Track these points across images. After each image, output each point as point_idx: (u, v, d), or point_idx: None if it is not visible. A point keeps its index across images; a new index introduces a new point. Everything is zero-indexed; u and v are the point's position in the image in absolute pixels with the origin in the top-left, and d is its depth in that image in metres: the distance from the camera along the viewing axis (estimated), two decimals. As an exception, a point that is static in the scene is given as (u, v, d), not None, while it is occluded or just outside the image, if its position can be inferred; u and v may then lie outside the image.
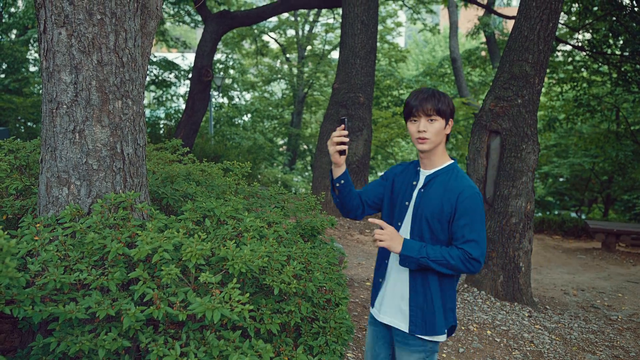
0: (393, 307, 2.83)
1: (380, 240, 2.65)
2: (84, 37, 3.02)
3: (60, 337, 2.59)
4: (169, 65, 21.37)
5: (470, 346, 5.14)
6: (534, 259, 9.79)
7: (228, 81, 26.84)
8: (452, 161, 2.83)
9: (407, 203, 2.81)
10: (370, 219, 2.63)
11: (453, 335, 5.38)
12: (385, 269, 2.88)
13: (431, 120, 2.67)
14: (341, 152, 2.75)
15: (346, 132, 2.73)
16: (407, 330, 2.77)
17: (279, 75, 27.90)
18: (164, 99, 24.24)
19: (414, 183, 2.83)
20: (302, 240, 3.75)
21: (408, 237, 2.77)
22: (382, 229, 2.69)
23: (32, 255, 2.95)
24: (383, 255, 2.92)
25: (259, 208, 4.12)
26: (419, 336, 2.75)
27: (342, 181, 2.86)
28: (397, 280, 2.82)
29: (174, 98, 24.77)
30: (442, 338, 2.79)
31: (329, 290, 3.63)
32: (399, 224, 2.82)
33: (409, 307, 2.77)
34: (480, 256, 2.63)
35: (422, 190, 2.77)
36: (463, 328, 5.55)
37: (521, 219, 6.46)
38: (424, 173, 2.82)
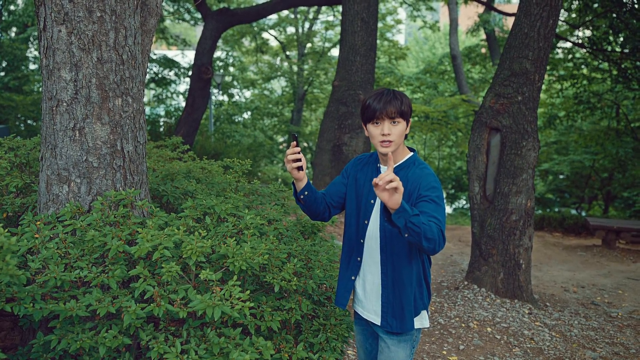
0: (372, 303, 2.83)
1: (393, 185, 2.45)
2: (83, 35, 3.02)
3: (60, 334, 2.59)
4: (168, 63, 21.36)
5: (471, 343, 5.14)
6: (534, 256, 9.80)
7: (228, 79, 26.83)
8: (412, 153, 2.83)
9: (372, 201, 2.80)
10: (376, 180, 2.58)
11: (453, 332, 5.39)
12: (358, 266, 2.86)
13: (394, 122, 2.65)
14: (299, 168, 2.70)
15: (299, 149, 2.67)
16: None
17: (279, 73, 27.87)
18: (164, 96, 24.23)
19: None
20: (302, 238, 3.75)
21: (378, 234, 2.77)
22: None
23: (33, 253, 2.96)
24: (351, 251, 2.89)
25: (259, 205, 4.12)
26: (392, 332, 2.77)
27: (306, 192, 2.79)
28: (373, 276, 2.82)
29: (174, 96, 24.76)
30: (422, 323, 2.82)
31: (330, 287, 3.63)
32: (366, 222, 2.81)
33: (381, 303, 2.78)
34: (444, 234, 2.62)
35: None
36: (463, 325, 5.55)
37: (521, 216, 6.46)
38: (385, 169, 2.79)
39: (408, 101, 2.69)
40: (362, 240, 2.84)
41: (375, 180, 2.36)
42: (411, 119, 2.76)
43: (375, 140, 2.69)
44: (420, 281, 2.79)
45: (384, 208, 2.54)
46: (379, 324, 2.79)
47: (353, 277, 2.88)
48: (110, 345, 2.51)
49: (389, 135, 2.63)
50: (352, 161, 3.00)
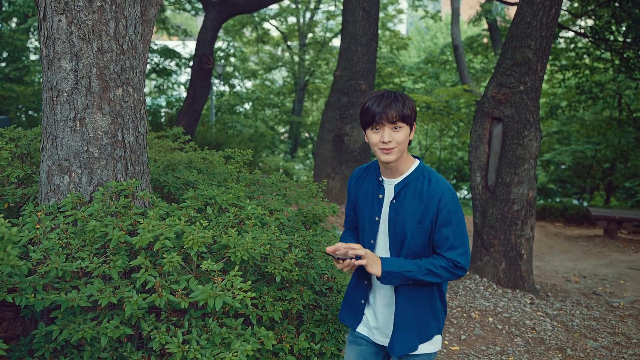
0: (383, 327, 2.65)
1: (362, 263, 2.40)
2: (84, 24, 3.01)
3: (62, 325, 2.59)
4: (169, 53, 21.32)
5: (472, 333, 5.15)
6: (535, 246, 9.80)
7: (229, 69, 26.78)
8: (418, 161, 2.59)
9: (377, 219, 2.58)
10: (329, 248, 2.43)
11: (455, 322, 5.39)
12: (367, 290, 2.69)
13: (396, 128, 2.41)
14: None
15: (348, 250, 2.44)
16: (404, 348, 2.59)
17: (280, 63, 27.82)
18: (165, 87, 24.20)
19: (380, 196, 2.57)
20: (303, 228, 3.75)
21: (387, 254, 2.58)
22: (355, 257, 2.44)
23: (34, 244, 2.96)
24: (360, 275, 2.71)
25: (260, 196, 4.11)
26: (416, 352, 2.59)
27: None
28: (384, 299, 2.64)
29: (175, 86, 24.73)
30: (436, 347, 2.65)
31: (331, 277, 3.63)
32: (372, 241, 2.61)
33: (393, 327, 2.60)
34: (466, 263, 2.48)
35: (394, 202, 2.53)
36: (465, 315, 5.56)
37: (523, 206, 6.45)
38: (390, 183, 2.56)
39: (411, 104, 2.45)
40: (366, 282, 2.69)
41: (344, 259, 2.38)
42: (415, 123, 2.51)
43: (375, 147, 2.46)
44: (434, 304, 2.61)
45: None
46: (392, 349, 2.60)
47: (363, 301, 2.71)
48: (112, 336, 2.51)
49: (390, 143, 2.40)
50: (352, 177, 2.76)
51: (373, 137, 2.45)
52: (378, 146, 2.44)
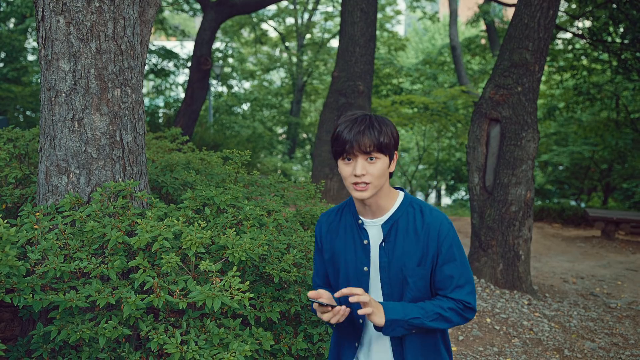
0: None
1: (366, 312, 2.02)
2: (82, 25, 3.01)
3: (60, 325, 2.59)
4: (167, 54, 21.32)
5: (470, 334, 5.15)
6: (533, 247, 9.81)
7: (227, 70, 26.77)
8: (402, 194, 2.24)
9: (365, 269, 2.20)
10: (311, 293, 2.06)
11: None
12: (361, 330, 2.29)
13: (371, 159, 2.03)
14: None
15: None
16: None
17: (278, 64, 27.80)
18: (163, 88, 24.19)
19: (366, 242, 2.19)
20: (301, 229, 3.75)
21: None
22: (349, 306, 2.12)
23: (32, 244, 2.96)
24: (346, 334, 2.33)
25: (258, 196, 4.11)
26: None
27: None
28: (381, 354, 2.27)
29: (173, 87, 24.71)
30: None
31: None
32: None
33: None
34: (475, 303, 2.18)
35: (384, 245, 2.17)
36: (462, 316, 5.56)
37: (521, 207, 6.46)
38: (374, 224, 2.20)
39: (391, 130, 2.06)
40: (361, 321, 2.27)
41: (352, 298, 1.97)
42: (397, 152, 2.14)
43: (347, 181, 2.08)
44: (439, 353, 2.26)
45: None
46: None
47: (357, 344, 2.32)
48: (110, 336, 2.51)
49: (363, 177, 2.03)
50: (319, 225, 2.36)
51: (344, 169, 2.07)
52: (350, 180, 2.06)
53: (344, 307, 2.04)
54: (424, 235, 2.14)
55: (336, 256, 2.28)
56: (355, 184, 2.05)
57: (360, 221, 2.22)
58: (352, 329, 2.31)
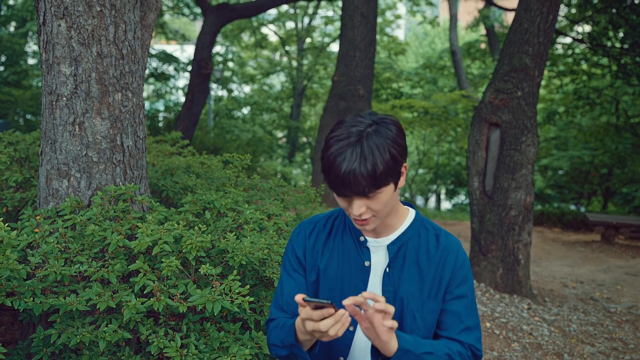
0: None
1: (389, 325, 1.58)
2: (83, 29, 3.02)
3: (60, 328, 2.59)
4: (168, 58, 21.35)
5: (470, 338, 5.15)
6: (533, 252, 9.80)
7: (227, 74, 26.80)
8: (413, 211, 1.91)
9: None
10: (309, 302, 1.54)
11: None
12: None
13: (369, 197, 1.64)
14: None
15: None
16: None
17: (278, 68, 27.82)
18: (163, 91, 24.21)
19: (367, 264, 1.82)
20: (302, 233, 3.75)
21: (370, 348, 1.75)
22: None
23: (33, 248, 2.96)
24: (339, 345, 1.86)
25: (258, 200, 4.12)
26: None
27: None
28: None
29: (173, 91, 24.74)
30: None
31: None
32: (351, 328, 1.83)
33: None
34: (481, 349, 1.85)
35: (388, 271, 1.81)
36: (462, 320, 5.57)
37: (520, 212, 6.46)
38: (378, 244, 1.83)
39: (390, 152, 1.61)
40: (341, 359, 1.87)
41: (374, 305, 1.53)
42: (406, 164, 1.72)
43: (346, 211, 1.73)
44: None
45: (373, 350, 1.69)
46: None
47: None
48: (110, 340, 2.51)
49: (363, 214, 1.68)
50: (301, 239, 1.92)
51: (340, 202, 1.71)
52: (348, 212, 1.73)
53: (345, 312, 1.54)
54: (438, 261, 1.81)
55: (328, 277, 1.87)
56: (356, 220, 1.72)
57: (362, 238, 1.84)
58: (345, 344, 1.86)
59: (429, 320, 1.81)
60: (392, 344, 1.62)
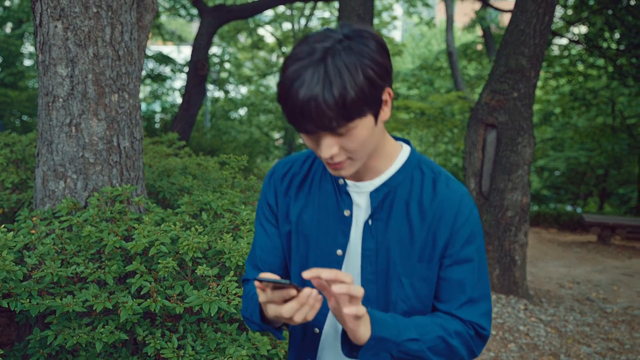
0: None
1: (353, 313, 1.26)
2: (79, 30, 3.02)
3: (57, 330, 2.59)
4: (164, 59, 21.34)
5: (466, 339, 5.16)
6: (529, 252, 9.82)
7: (224, 75, 26.81)
8: (407, 148, 1.52)
9: (339, 252, 1.49)
10: (267, 282, 1.24)
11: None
12: (316, 346, 1.57)
13: (338, 133, 1.27)
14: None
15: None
16: None
17: (275, 69, 27.84)
18: (160, 93, 24.19)
19: (347, 213, 1.48)
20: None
21: None
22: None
23: (29, 249, 2.96)
24: (297, 350, 1.62)
25: (255, 202, 4.12)
26: None
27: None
28: None
29: (170, 92, 24.73)
30: None
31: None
32: None
33: None
34: (490, 326, 1.50)
35: (371, 223, 1.46)
36: (459, 321, 5.58)
37: (517, 212, 6.48)
38: (360, 189, 1.48)
39: (364, 71, 1.22)
40: (317, 330, 1.55)
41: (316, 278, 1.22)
42: (391, 90, 1.33)
43: (316, 153, 1.36)
44: None
45: (343, 334, 1.38)
46: None
47: None
48: (107, 341, 2.51)
49: (335, 157, 1.31)
50: (273, 181, 1.60)
51: (307, 141, 1.33)
52: (318, 155, 1.35)
53: (315, 291, 1.24)
54: (433, 214, 1.43)
55: (300, 227, 1.54)
56: (328, 163, 1.35)
57: (342, 181, 1.49)
58: (307, 343, 1.59)
59: (421, 289, 1.45)
60: (361, 332, 1.30)
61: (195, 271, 2.69)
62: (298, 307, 1.24)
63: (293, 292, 1.24)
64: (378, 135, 1.37)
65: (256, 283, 1.24)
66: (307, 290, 1.23)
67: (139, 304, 2.56)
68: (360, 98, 1.22)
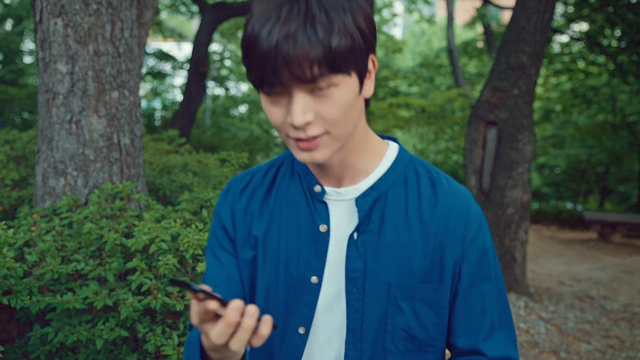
0: None
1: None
2: (80, 27, 3.01)
3: (57, 327, 2.59)
4: (164, 56, 21.33)
5: (467, 336, 5.16)
6: (530, 250, 9.82)
7: (225, 72, 26.79)
8: (395, 146, 1.25)
9: (314, 280, 1.20)
10: (205, 295, 0.91)
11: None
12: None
13: (320, 89, 1.00)
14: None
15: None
16: None
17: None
18: (160, 90, 24.19)
19: (322, 229, 1.20)
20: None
21: (335, 353, 1.21)
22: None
23: (29, 246, 2.96)
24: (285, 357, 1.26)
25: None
26: None
27: None
28: None
29: (170, 89, 24.72)
30: None
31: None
32: (301, 330, 1.21)
33: None
34: (518, 355, 1.24)
35: (355, 236, 1.18)
36: (459, 318, 5.58)
37: (517, 210, 6.47)
38: (340, 197, 1.21)
39: (358, 22, 1.00)
40: (302, 330, 1.23)
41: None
42: (375, 59, 1.12)
43: (281, 133, 1.08)
44: None
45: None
46: None
47: None
48: (107, 338, 2.51)
49: (309, 127, 1.03)
50: (229, 200, 1.30)
51: (272, 111, 1.06)
52: (285, 131, 1.07)
53: (238, 304, 0.89)
54: (438, 223, 1.17)
55: (267, 253, 1.23)
56: (297, 140, 1.05)
57: (318, 189, 1.20)
58: (287, 348, 1.23)
59: (425, 316, 1.17)
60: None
61: (196, 268, 2.69)
62: (225, 330, 0.89)
63: (213, 305, 0.89)
64: (360, 113, 1.11)
65: (191, 296, 0.91)
66: (235, 304, 0.88)
67: (139, 301, 2.56)
68: (348, 46, 0.98)
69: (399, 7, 31.53)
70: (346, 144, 1.13)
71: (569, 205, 19.87)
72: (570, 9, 13.60)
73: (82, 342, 2.56)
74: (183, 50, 25.66)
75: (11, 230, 2.51)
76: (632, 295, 7.34)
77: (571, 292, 7.32)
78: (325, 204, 1.20)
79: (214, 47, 25.70)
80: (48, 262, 2.62)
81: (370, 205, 1.18)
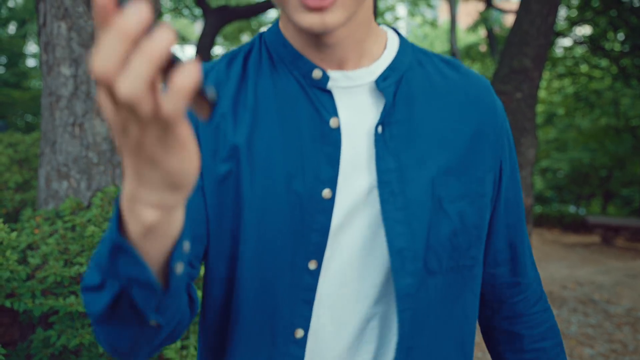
0: None
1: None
2: (83, 31, 3.02)
3: (60, 330, 2.59)
4: (168, 59, 21.36)
5: (469, 340, 5.15)
6: (532, 253, 9.81)
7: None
8: (390, 30, 1.03)
9: (325, 194, 0.88)
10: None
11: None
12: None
13: None
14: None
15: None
16: None
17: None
18: (163, 93, 24.24)
19: (333, 123, 0.90)
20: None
21: (359, 302, 0.92)
22: None
23: (32, 249, 2.96)
24: (292, 307, 0.92)
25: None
26: None
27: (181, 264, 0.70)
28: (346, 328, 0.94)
29: (173, 92, 24.76)
30: None
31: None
32: (311, 265, 0.89)
33: None
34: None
35: (380, 130, 0.90)
36: (462, 322, 5.57)
37: (520, 214, 6.47)
38: (351, 82, 0.91)
39: None
40: (300, 333, 0.92)
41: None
42: None
43: None
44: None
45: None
46: None
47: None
48: (110, 341, 2.50)
49: None
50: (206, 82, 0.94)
51: None
52: None
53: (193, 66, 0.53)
54: (470, 108, 0.96)
55: (254, 166, 0.90)
56: None
57: (318, 73, 0.91)
58: (280, 354, 0.92)
59: (470, 218, 0.94)
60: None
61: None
62: (114, 43, 0.48)
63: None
64: None
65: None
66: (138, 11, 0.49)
67: (142, 304, 2.56)
68: None
69: (401, 11, 31.59)
70: (354, 18, 0.87)
71: (572, 209, 19.84)
72: (574, 13, 13.60)
73: (85, 345, 2.56)
74: (186, 54, 25.72)
75: (14, 233, 2.51)
76: (636, 299, 7.32)
77: (574, 296, 7.30)
78: (329, 92, 0.91)
79: (217, 50, 25.75)
80: (51, 265, 2.63)
81: (394, 88, 0.92)
